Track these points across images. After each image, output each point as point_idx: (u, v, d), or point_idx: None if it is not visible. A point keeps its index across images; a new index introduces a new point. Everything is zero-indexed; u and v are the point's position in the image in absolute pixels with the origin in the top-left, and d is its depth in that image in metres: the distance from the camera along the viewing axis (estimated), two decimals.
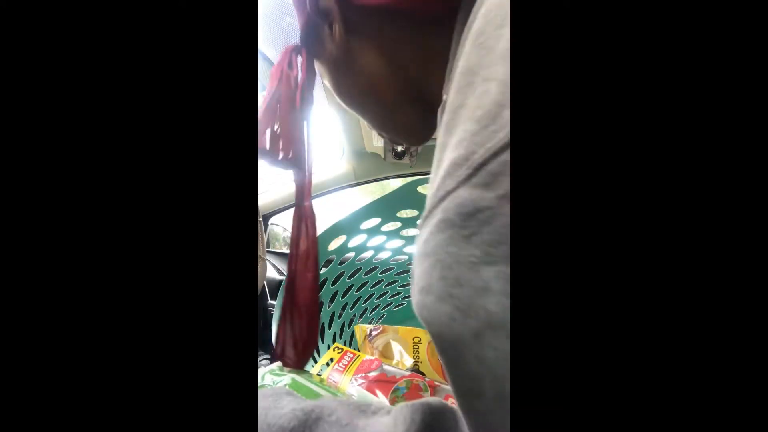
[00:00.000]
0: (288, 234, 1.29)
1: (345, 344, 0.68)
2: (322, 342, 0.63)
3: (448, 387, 0.42)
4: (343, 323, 0.68)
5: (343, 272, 0.64)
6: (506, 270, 0.12)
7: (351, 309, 0.69)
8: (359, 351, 0.57)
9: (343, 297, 0.66)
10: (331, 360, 0.48)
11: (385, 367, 0.46)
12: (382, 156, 0.89)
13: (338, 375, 0.46)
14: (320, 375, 0.46)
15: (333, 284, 0.64)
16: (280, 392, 0.24)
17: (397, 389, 0.41)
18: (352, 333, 0.70)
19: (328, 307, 0.65)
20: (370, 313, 0.74)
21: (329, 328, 0.65)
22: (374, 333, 0.57)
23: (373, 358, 0.49)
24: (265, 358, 0.67)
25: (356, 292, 0.69)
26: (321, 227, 0.57)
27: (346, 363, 0.47)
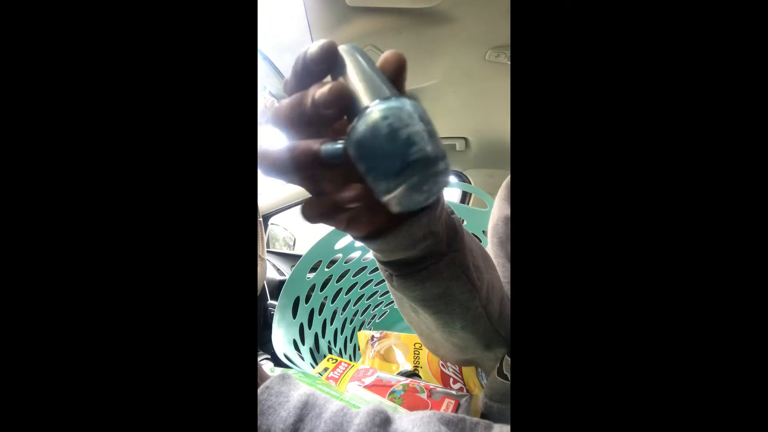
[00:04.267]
0: (288, 234, 1.30)
1: (346, 341, 0.69)
2: (323, 338, 0.63)
3: (444, 390, 0.42)
4: (345, 319, 0.69)
5: (348, 270, 0.64)
6: None
7: (354, 305, 0.70)
8: (361, 354, 0.58)
9: (346, 294, 0.67)
10: (326, 369, 0.49)
11: (380, 374, 0.46)
12: None
13: (333, 384, 0.46)
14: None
15: (337, 281, 0.64)
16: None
17: (394, 392, 0.42)
18: (353, 331, 0.70)
19: (332, 303, 0.65)
20: (373, 310, 0.75)
21: (331, 324, 0.65)
22: (376, 338, 0.57)
23: (367, 366, 0.49)
24: (265, 358, 0.68)
25: (360, 289, 0.69)
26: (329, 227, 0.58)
27: (341, 372, 0.48)
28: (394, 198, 0.17)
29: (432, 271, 0.26)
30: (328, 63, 0.18)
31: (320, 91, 0.17)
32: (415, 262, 0.26)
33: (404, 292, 0.28)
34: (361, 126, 0.17)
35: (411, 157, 0.16)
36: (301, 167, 0.19)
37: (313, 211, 0.20)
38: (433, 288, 0.27)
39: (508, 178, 0.44)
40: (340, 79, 0.18)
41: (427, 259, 0.26)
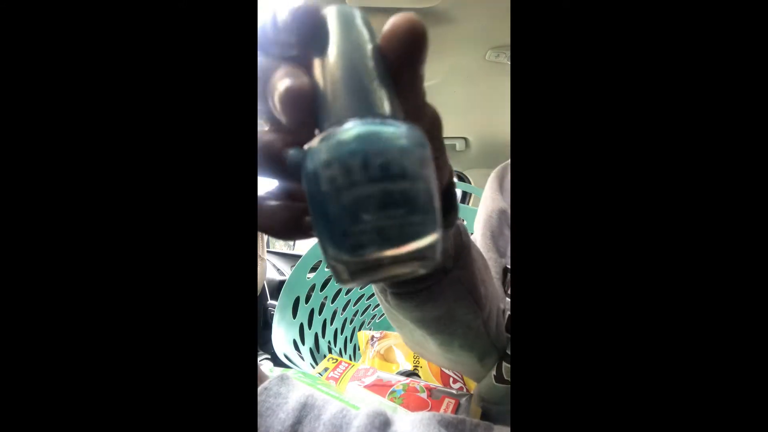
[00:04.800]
0: None
1: (346, 341, 0.69)
2: (323, 338, 0.63)
3: (444, 389, 0.42)
4: (345, 319, 0.69)
5: None
6: None
7: (354, 305, 0.70)
8: (362, 354, 0.58)
9: (346, 294, 0.67)
10: (326, 369, 0.49)
11: (380, 373, 0.46)
12: None
13: (333, 383, 0.46)
14: None
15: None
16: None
17: (394, 391, 0.42)
18: (353, 331, 0.70)
19: (332, 303, 0.65)
20: (373, 310, 0.75)
21: (331, 324, 0.65)
22: (376, 338, 0.58)
23: (367, 366, 0.49)
24: (265, 358, 0.68)
25: (360, 289, 0.69)
26: None
27: (341, 371, 0.48)
28: (334, 272, 0.12)
29: (434, 291, 0.23)
30: (302, 37, 0.13)
31: (279, 88, 0.12)
32: (414, 280, 0.23)
33: (400, 312, 0.25)
34: (313, 156, 0.12)
35: (350, 240, 0.11)
36: (262, 163, 0.15)
37: (262, 222, 0.15)
38: (434, 310, 0.24)
39: (498, 167, 0.42)
40: (317, 64, 0.13)
41: (428, 278, 0.23)
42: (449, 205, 0.20)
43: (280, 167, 0.14)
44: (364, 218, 0.11)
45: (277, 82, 0.13)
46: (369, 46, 0.13)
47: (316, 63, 0.13)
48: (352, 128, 0.11)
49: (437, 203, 0.12)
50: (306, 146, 0.12)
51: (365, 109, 0.12)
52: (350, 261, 0.12)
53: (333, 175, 0.11)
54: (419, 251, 0.12)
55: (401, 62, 0.13)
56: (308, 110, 0.12)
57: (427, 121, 0.16)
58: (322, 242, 0.12)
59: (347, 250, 0.11)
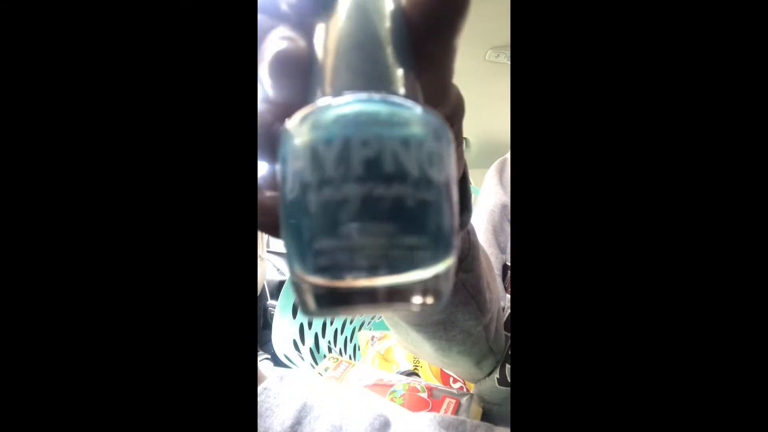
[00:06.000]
0: None
1: (346, 341, 0.69)
2: (323, 338, 0.63)
3: (445, 389, 0.42)
4: (345, 319, 0.69)
5: None
6: None
7: None
8: (362, 354, 0.58)
9: None
10: (327, 369, 0.49)
11: (380, 373, 0.46)
12: None
13: (334, 383, 0.46)
14: None
15: None
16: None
17: (394, 391, 0.42)
18: (353, 331, 0.70)
19: None
20: None
21: (331, 324, 0.65)
22: (376, 338, 0.58)
23: (368, 366, 0.50)
24: (265, 358, 0.68)
25: None
26: None
27: (342, 371, 0.48)
28: (297, 295, 0.10)
29: None
30: None
31: (275, 47, 0.10)
32: None
33: (397, 314, 0.24)
34: (286, 139, 0.09)
35: (319, 257, 0.09)
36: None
37: None
38: (434, 315, 0.23)
39: (497, 161, 0.42)
40: (320, 26, 0.11)
41: None
42: (462, 205, 0.18)
43: (271, 148, 0.12)
44: (340, 230, 0.08)
45: (268, 47, 0.11)
46: (388, 6, 0.10)
47: (319, 26, 0.11)
48: (337, 105, 0.09)
49: (452, 220, 0.10)
50: (295, 117, 0.10)
51: (369, 82, 0.09)
52: (316, 284, 0.09)
53: (303, 166, 0.09)
54: (416, 284, 0.09)
55: (428, 29, 0.10)
56: (300, 82, 0.10)
57: (450, 106, 0.14)
58: (288, 253, 0.10)
59: (314, 269, 0.09)
